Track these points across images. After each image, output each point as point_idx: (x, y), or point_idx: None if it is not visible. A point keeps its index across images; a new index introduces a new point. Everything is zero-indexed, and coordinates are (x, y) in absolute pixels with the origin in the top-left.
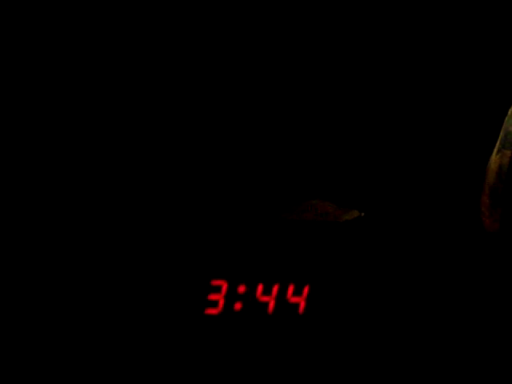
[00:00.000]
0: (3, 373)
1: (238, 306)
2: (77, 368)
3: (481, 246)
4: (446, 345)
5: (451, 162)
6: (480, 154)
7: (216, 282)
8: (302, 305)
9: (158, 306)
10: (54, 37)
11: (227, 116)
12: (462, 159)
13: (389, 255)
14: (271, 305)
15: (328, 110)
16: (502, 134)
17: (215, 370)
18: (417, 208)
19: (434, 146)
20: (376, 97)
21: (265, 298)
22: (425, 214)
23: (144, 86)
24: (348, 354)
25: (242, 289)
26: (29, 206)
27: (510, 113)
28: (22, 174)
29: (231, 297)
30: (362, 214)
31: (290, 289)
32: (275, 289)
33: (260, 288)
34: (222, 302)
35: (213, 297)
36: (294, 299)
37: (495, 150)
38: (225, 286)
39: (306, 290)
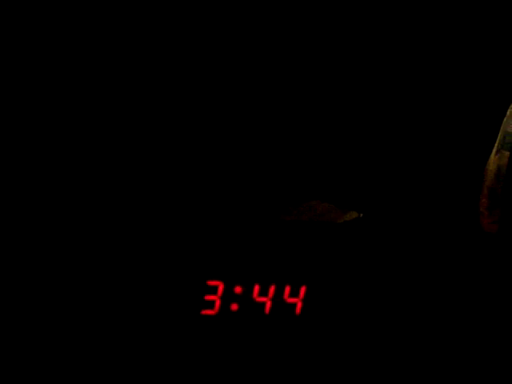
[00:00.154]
0: (3, 373)
1: (234, 306)
2: (74, 368)
3: (479, 246)
4: (445, 345)
5: (450, 162)
6: (478, 154)
7: (212, 283)
8: (299, 305)
9: (154, 306)
10: (54, 37)
11: (225, 116)
12: (461, 160)
13: (387, 256)
14: (268, 305)
15: (327, 111)
16: (500, 134)
17: (212, 371)
18: (415, 209)
19: (432, 147)
20: (374, 98)
21: (261, 299)
22: (423, 215)
23: (144, 86)
24: (345, 354)
25: (238, 289)
26: (28, 207)
27: (508, 114)
28: (22, 174)
29: (227, 297)
30: (361, 215)
31: (287, 289)
32: (272, 289)
33: (256, 288)
34: (218, 303)
35: (209, 297)
36: (290, 300)
37: (494, 150)
38: (221, 287)
39: (302, 290)
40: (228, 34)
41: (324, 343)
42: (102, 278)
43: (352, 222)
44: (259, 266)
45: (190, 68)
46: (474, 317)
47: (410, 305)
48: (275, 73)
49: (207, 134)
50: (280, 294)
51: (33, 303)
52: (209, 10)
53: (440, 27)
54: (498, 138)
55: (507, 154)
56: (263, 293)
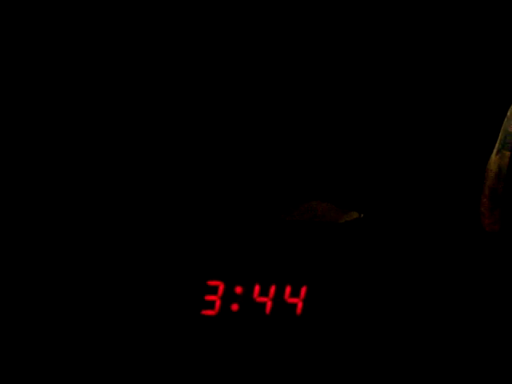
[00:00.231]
0: (3, 373)
1: (234, 306)
2: (74, 368)
3: (480, 247)
4: (446, 345)
5: (451, 163)
6: (479, 155)
7: (212, 283)
8: (300, 306)
9: (153, 306)
10: (54, 37)
11: (225, 117)
12: (462, 160)
13: (388, 256)
14: (268, 306)
15: (327, 111)
16: (501, 135)
17: (212, 372)
18: (416, 209)
19: (433, 147)
20: (375, 98)
21: (262, 299)
22: (424, 216)
23: (144, 86)
24: (346, 355)
25: (238, 289)
26: (28, 207)
27: (509, 114)
28: (21, 174)
29: (228, 297)
30: (362, 215)
31: (288, 290)
32: (272, 289)
33: (257, 289)
34: (218, 303)
35: (209, 298)
36: (291, 300)
37: (494, 150)
38: (221, 287)
39: (303, 290)
40: (228, 34)
41: (325, 344)
42: (102, 278)
43: (353, 222)
44: (260, 265)
45: (191, 69)
46: (475, 317)
47: (411, 305)
48: (278, 74)
49: (208, 135)
50: (281, 294)
51: (33, 302)
52: (209, 10)
53: (440, 28)
54: (499, 138)
55: (508, 154)
56: (264, 293)
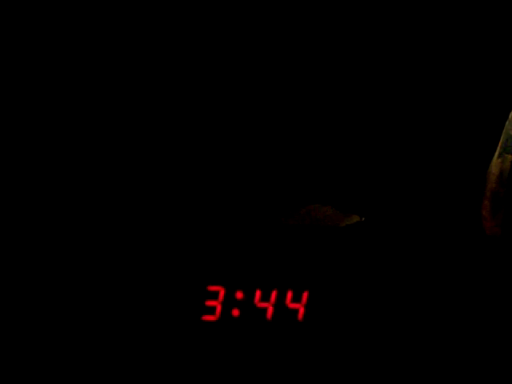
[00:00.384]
0: (3, 373)
1: (235, 312)
2: (75, 372)
3: (482, 250)
4: (448, 349)
5: (452, 166)
6: (481, 158)
7: (213, 288)
8: (302, 311)
9: (153, 312)
10: (54, 37)
11: (227, 121)
12: (463, 163)
13: (390, 260)
14: (270, 311)
15: (328, 114)
16: (502, 138)
17: (213, 379)
18: (418, 213)
19: (434, 151)
20: (376, 102)
21: (263, 305)
22: (426, 219)
23: (144, 87)
24: (348, 361)
25: (239, 295)
26: (28, 207)
27: (510, 117)
28: (21, 174)
29: (229, 303)
30: (363, 218)
31: (289, 295)
32: (273, 295)
33: (258, 294)
34: (219, 309)
35: (210, 303)
36: (292, 305)
37: (496, 154)
38: (222, 292)
39: (305, 296)
40: (228, 36)
41: (327, 350)
42: (102, 283)
43: (354, 226)
44: (261, 270)
45: (192, 72)
46: (477, 320)
47: (413, 310)
48: (278, 77)
49: (208, 139)
50: (282, 300)
51: (30, 311)
52: (209, 10)
53: (442, 30)
54: (501, 141)
55: (510, 157)
56: (265, 298)
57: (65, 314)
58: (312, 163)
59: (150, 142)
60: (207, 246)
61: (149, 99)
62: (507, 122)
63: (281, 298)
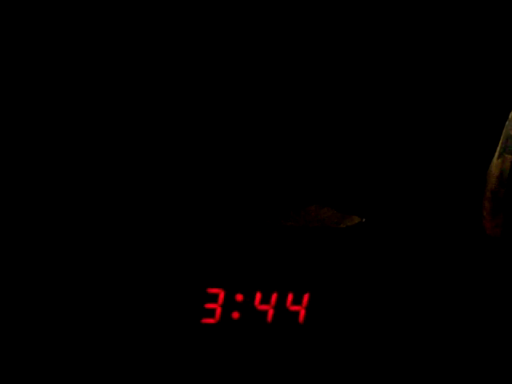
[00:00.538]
0: (3, 373)
1: (235, 315)
2: (74, 374)
3: (482, 251)
4: (450, 349)
5: (452, 166)
6: (481, 158)
7: (213, 291)
8: (302, 313)
9: (153, 314)
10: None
11: (226, 119)
12: (463, 164)
13: (390, 261)
14: (270, 314)
15: (327, 115)
16: (502, 138)
17: (213, 381)
18: (418, 213)
19: (434, 151)
20: (377, 102)
21: (263, 307)
22: (426, 220)
23: (144, 87)
24: (349, 363)
25: (239, 297)
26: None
27: (510, 117)
28: (21, 174)
29: (228, 305)
30: (363, 219)
31: (290, 297)
32: (274, 297)
33: (258, 296)
34: (219, 311)
35: (209, 306)
36: (293, 308)
37: (496, 154)
38: (222, 295)
39: (305, 298)
40: (229, 36)
41: (328, 352)
42: (101, 285)
43: (355, 227)
44: (261, 273)
45: (191, 71)
46: (478, 320)
47: (415, 311)
48: (278, 77)
49: (207, 141)
50: (282, 302)
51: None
52: (209, 10)
53: (442, 30)
54: (500, 141)
55: (509, 157)
56: (265, 301)
57: (65, 315)
58: (311, 164)
59: (150, 143)
60: (207, 248)
61: (148, 99)
62: (507, 122)
63: (281, 300)
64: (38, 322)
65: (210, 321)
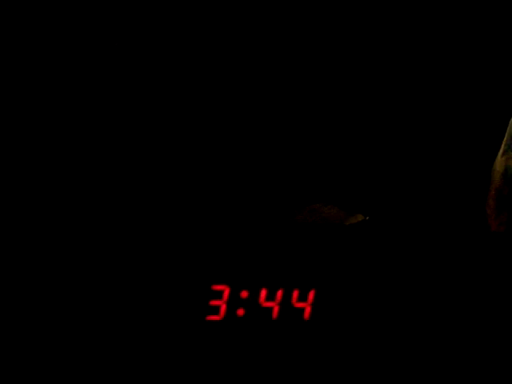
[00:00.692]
0: (3, 373)
1: (240, 311)
2: (77, 373)
3: (487, 248)
4: (455, 347)
5: (457, 164)
6: (485, 156)
7: (217, 287)
8: (308, 310)
9: (157, 312)
10: (54, 37)
11: (231, 118)
12: (468, 162)
13: (395, 259)
14: (275, 310)
15: (332, 114)
16: (507, 136)
17: (218, 379)
18: (422, 211)
19: (439, 149)
20: (381, 101)
21: (269, 304)
22: (430, 217)
23: (145, 87)
24: (355, 360)
25: (244, 294)
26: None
27: None
28: (21, 174)
29: (233, 302)
30: (367, 217)
31: (295, 294)
32: (279, 294)
33: (263, 293)
34: (223, 308)
35: (214, 302)
36: (299, 304)
37: (500, 152)
38: (227, 291)
39: (311, 295)
40: (229, 36)
41: (334, 349)
42: (104, 283)
43: (360, 225)
44: (266, 269)
45: (193, 71)
46: (483, 319)
47: (420, 307)
48: (283, 77)
49: (213, 138)
50: (288, 299)
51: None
52: (209, 10)
53: (444, 28)
54: (505, 139)
55: None
56: (270, 297)
57: (68, 313)
58: (316, 162)
59: (156, 142)
60: (211, 245)
61: (152, 99)
62: (511, 120)
63: (287, 297)
64: (41, 316)
65: (215, 318)
